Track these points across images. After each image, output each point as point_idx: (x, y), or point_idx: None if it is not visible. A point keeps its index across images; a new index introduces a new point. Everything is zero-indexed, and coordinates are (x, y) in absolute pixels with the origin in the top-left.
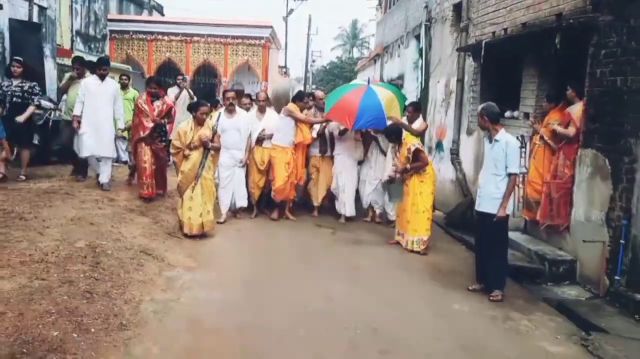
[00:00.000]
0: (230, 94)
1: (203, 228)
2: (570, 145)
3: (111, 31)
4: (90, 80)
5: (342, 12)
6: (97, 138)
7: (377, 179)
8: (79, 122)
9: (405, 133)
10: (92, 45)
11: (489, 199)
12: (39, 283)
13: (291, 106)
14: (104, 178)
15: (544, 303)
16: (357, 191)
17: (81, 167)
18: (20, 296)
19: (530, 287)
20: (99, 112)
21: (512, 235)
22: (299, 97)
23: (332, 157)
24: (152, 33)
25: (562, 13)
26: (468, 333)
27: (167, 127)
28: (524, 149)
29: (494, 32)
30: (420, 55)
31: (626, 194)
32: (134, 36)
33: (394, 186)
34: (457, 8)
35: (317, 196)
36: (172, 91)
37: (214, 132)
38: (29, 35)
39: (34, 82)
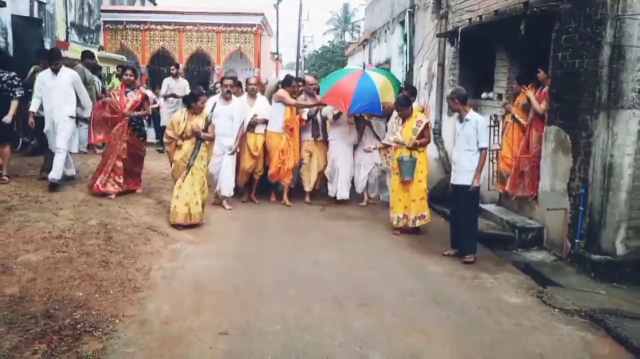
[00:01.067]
0: (228, 82)
1: (191, 219)
2: (540, 122)
3: (105, 22)
4: (44, 74)
5: None
6: (53, 132)
7: (372, 163)
8: (35, 119)
9: (415, 107)
10: (87, 37)
11: (463, 172)
12: (61, 255)
13: (281, 92)
14: (53, 173)
15: (511, 265)
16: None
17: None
18: (46, 265)
19: (502, 252)
20: (55, 107)
21: (488, 207)
22: (287, 82)
23: (325, 142)
24: (145, 23)
25: (529, 1)
26: (439, 289)
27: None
28: (497, 127)
29: (470, 19)
30: (405, 40)
31: (584, 166)
32: (127, 26)
33: (407, 162)
34: None
35: (310, 181)
36: (167, 81)
37: (208, 122)
38: (30, 30)
39: (13, 73)
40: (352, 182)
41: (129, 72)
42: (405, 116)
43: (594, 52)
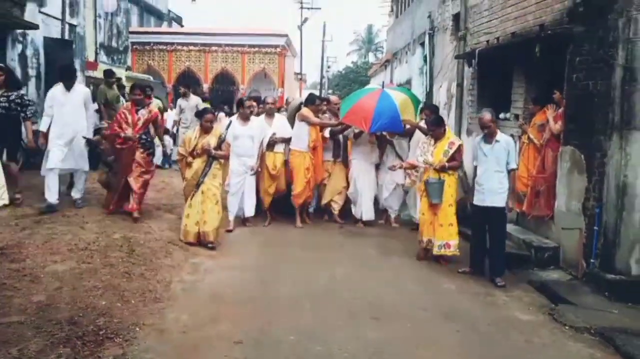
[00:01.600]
0: (249, 103)
1: (205, 238)
2: (556, 142)
3: (133, 43)
4: (56, 90)
5: (358, 18)
6: (68, 151)
7: (394, 183)
8: (46, 139)
9: (448, 127)
10: (115, 57)
11: (493, 194)
12: (86, 266)
13: (305, 111)
14: (76, 193)
15: (527, 284)
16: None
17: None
18: (71, 275)
19: (518, 271)
20: (68, 123)
21: (507, 227)
22: (311, 101)
23: (344, 162)
24: (171, 44)
25: (544, 24)
26: (451, 305)
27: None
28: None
29: (487, 41)
30: (425, 61)
31: (598, 186)
32: (154, 47)
33: (433, 184)
34: (456, 18)
35: (325, 197)
36: (179, 102)
37: (222, 141)
38: (62, 51)
39: (22, 92)
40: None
41: (137, 91)
42: (437, 136)
43: (607, 74)
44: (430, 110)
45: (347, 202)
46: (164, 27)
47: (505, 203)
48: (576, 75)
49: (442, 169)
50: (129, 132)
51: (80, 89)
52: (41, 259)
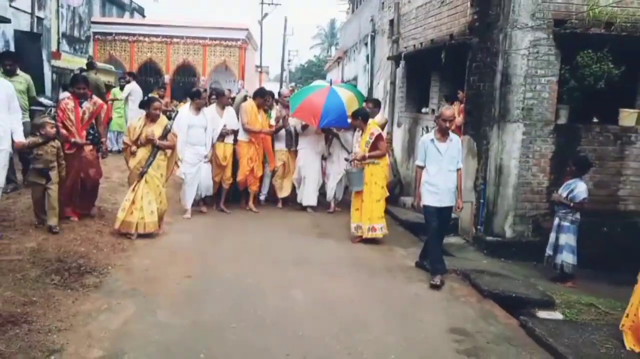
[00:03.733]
0: (204, 95)
1: (144, 228)
2: (460, 132)
3: (95, 33)
4: None
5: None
6: None
7: (340, 173)
8: None
9: (370, 119)
10: (77, 47)
11: (449, 193)
12: (65, 225)
13: (244, 106)
14: None
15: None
16: (322, 185)
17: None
18: (55, 233)
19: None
20: None
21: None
22: (260, 94)
23: (297, 152)
24: (133, 35)
25: (453, 34)
26: (359, 256)
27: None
28: None
29: (414, 45)
30: (367, 60)
31: (484, 167)
32: (116, 37)
33: (354, 174)
34: (391, 23)
35: (282, 188)
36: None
37: (167, 131)
38: (31, 43)
39: None
40: (323, 189)
41: (80, 84)
42: (360, 128)
43: (491, 78)
44: (372, 102)
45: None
46: (126, 18)
47: (454, 202)
48: (472, 78)
49: (362, 159)
50: (77, 138)
51: (3, 84)
52: (28, 219)
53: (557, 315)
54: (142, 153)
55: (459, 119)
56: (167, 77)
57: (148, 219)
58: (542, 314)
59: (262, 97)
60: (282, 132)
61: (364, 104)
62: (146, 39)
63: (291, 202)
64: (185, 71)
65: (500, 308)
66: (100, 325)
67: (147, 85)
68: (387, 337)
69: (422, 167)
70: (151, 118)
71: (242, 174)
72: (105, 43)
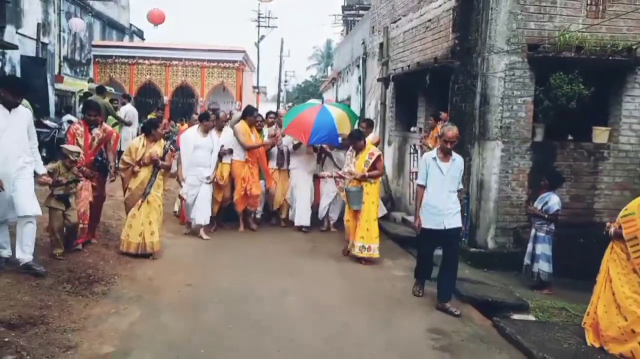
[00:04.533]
0: (212, 117)
1: (145, 248)
2: None
3: (95, 56)
4: None
5: (317, 33)
6: (12, 194)
7: (334, 192)
8: None
9: (368, 139)
10: (78, 70)
11: (451, 215)
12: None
13: (238, 126)
14: (26, 253)
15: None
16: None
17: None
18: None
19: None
20: (10, 156)
21: (409, 218)
22: (249, 112)
23: (288, 171)
24: (133, 57)
25: (437, 57)
26: (349, 268)
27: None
28: (416, 154)
29: (402, 68)
30: (360, 81)
31: (467, 183)
32: (116, 60)
33: (353, 193)
34: (381, 47)
35: (274, 204)
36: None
37: (166, 151)
38: (36, 68)
39: None
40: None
41: (91, 112)
42: (358, 148)
43: (472, 99)
44: (365, 122)
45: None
46: (126, 41)
47: (461, 223)
48: (455, 98)
49: (362, 179)
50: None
51: (23, 110)
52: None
53: (529, 318)
54: (144, 173)
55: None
56: (165, 99)
57: (149, 240)
58: (516, 316)
59: (252, 115)
60: (275, 150)
61: (357, 124)
62: (145, 61)
63: (283, 220)
64: (184, 92)
65: (478, 311)
66: (109, 326)
67: (147, 106)
68: (371, 338)
69: (423, 187)
70: (153, 139)
71: (237, 193)
72: (106, 66)
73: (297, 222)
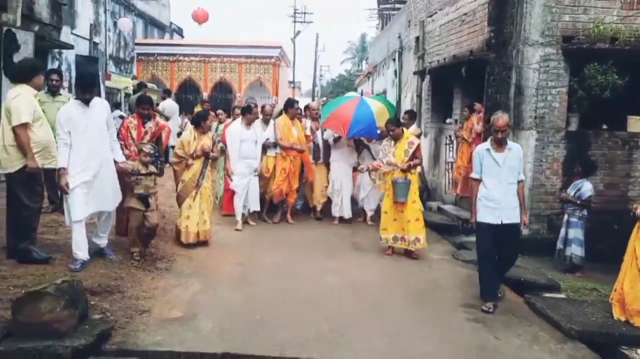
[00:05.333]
0: (256, 109)
1: (199, 237)
2: (480, 140)
3: (138, 54)
4: (70, 107)
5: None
6: (96, 189)
7: (369, 184)
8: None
9: (412, 130)
10: (122, 67)
11: (510, 210)
12: None
13: (278, 121)
14: (102, 239)
15: (451, 244)
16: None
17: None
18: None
19: (449, 237)
20: (93, 151)
21: (446, 207)
22: (290, 105)
23: (325, 164)
24: (174, 55)
25: (472, 50)
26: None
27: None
28: (452, 145)
29: (438, 61)
30: (396, 75)
31: None
32: (158, 58)
33: (401, 184)
34: (417, 40)
35: (313, 199)
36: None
37: (213, 143)
38: (89, 66)
39: None
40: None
41: (145, 105)
42: (396, 136)
43: (507, 90)
44: (408, 114)
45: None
46: (167, 39)
47: (520, 219)
48: (490, 90)
49: (407, 169)
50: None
51: (101, 103)
52: None
53: (560, 296)
54: (197, 165)
55: (479, 127)
56: (205, 95)
57: (202, 228)
58: (547, 295)
59: (292, 107)
60: (310, 144)
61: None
62: (185, 58)
63: (322, 213)
64: (222, 88)
65: (510, 290)
66: (175, 296)
67: (187, 102)
68: (406, 312)
69: (477, 180)
70: (202, 131)
71: (276, 185)
72: (148, 63)
73: (338, 214)
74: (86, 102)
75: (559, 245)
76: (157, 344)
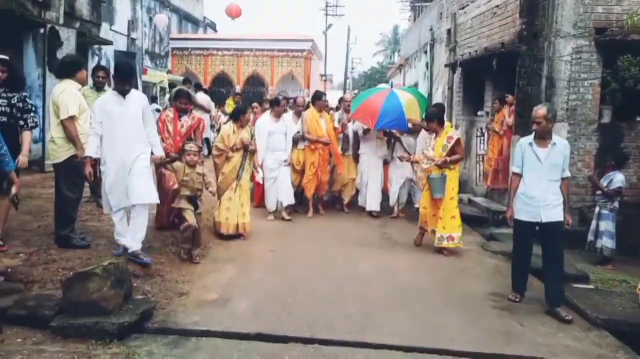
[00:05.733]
0: (283, 102)
1: (238, 229)
2: (510, 132)
3: (172, 48)
4: (106, 97)
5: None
6: (130, 182)
7: (404, 177)
8: (94, 166)
9: (447, 122)
10: (158, 62)
11: (551, 207)
12: None
13: (305, 114)
14: (136, 241)
15: (480, 236)
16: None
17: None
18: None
19: (479, 229)
20: (126, 143)
21: (476, 199)
22: (317, 97)
23: (352, 156)
24: (207, 49)
25: (504, 42)
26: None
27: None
28: (482, 137)
29: (469, 53)
30: (427, 67)
31: None
32: (192, 52)
33: (436, 180)
34: (449, 33)
35: (341, 191)
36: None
37: (252, 136)
38: (128, 61)
39: (24, 94)
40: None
41: (183, 99)
42: (435, 131)
43: (538, 82)
44: (437, 108)
45: (357, 194)
46: (200, 33)
47: (563, 217)
48: (521, 82)
49: (443, 164)
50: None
51: (138, 96)
52: None
53: (589, 287)
54: (237, 158)
55: (510, 120)
56: (237, 88)
57: (242, 220)
58: (575, 285)
59: (320, 99)
60: (339, 136)
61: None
62: (219, 52)
63: (346, 206)
64: (255, 82)
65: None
66: (212, 280)
67: (220, 95)
68: (433, 298)
69: (518, 174)
70: (240, 125)
71: (306, 178)
72: (182, 57)
73: (367, 207)
74: (123, 93)
75: (590, 237)
76: (195, 324)
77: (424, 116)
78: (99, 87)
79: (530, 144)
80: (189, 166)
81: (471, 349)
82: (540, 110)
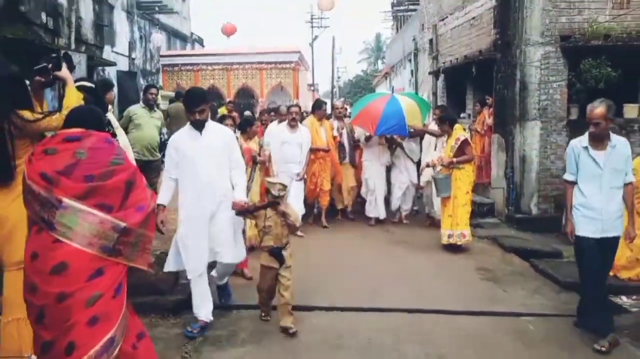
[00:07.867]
0: (295, 109)
1: (250, 241)
2: (491, 131)
3: (163, 65)
4: (181, 134)
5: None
6: (212, 235)
7: (407, 182)
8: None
9: (457, 125)
10: (149, 79)
11: (613, 220)
12: None
13: (305, 123)
14: (204, 309)
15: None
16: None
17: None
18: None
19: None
20: (207, 188)
21: None
22: (318, 106)
23: (351, 164)
24: (197, 64)
25: (481, 50)
26: (429, 238)
27: None
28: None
29: (450, 61)
30: (412, 74)
31: (511, 158)
32: (182, 68)
33: (439, 180)
34: (431, 42)
35: (339, 200)
36: None
37: (260, 146)
38: (129, 81)
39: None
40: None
41: (228, 122)
42: (445, 132)
43: (513, 85)
44: (439, 109)
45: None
46: (189, 49)
47: (622, 229)
48: (498, 86)
49: (449, 165)
50: None
51: (219, 130)
52: None
53: (562, 261)
54: (247, 170)
55: (490, 121)
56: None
57: (250, 233)
58: (549, 259)
59: (320, 108)
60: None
61: (431, 112)
62: (208, 67)
63: (353, 214)
64: (245, 94)
65: (518, 257)
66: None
67: (212, 110)
68: (430, 274)
69: (572, 183)
70: (248, 136)
71: (307, 189)
72: (173, 74)
73: (373, 214)
74: (197, 126)
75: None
76: (233, 301)
77: (424, 120)
78: (150, 105)
79: (586, 147)
80: (275, 211)
81: (462, 309)
82: (598, 109)
